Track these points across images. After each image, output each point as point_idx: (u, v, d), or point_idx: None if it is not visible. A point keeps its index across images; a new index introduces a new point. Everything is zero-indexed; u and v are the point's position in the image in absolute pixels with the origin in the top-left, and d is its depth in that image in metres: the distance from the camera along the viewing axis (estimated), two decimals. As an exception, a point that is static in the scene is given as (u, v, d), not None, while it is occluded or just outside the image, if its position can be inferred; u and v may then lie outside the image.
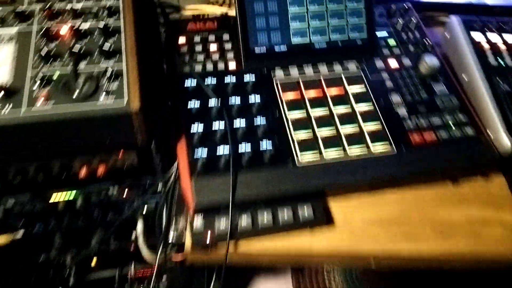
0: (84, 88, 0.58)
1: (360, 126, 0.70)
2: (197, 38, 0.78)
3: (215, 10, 0.92)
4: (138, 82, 0.59)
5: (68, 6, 0.67)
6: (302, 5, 0.76)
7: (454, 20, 0.85)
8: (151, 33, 0.78)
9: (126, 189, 0.75)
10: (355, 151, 0.68)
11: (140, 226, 0.80)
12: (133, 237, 0.80)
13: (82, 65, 0.61)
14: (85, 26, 0.65)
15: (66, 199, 0.72)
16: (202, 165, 0.63)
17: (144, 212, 0.79)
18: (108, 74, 0.59)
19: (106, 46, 0.62)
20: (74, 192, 0.71)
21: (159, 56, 0.75)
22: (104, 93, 0.58)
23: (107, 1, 0.68)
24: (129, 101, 0.58)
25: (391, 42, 0.82)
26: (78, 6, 0.67)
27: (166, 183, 0.73)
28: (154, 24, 0.82)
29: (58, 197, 0.72)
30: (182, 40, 0.77)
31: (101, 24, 0.64)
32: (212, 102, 0.70)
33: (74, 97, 0.57)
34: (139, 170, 0.72)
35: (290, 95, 0.73)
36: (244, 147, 0.67)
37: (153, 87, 0.69)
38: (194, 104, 0.70)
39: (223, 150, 0.66)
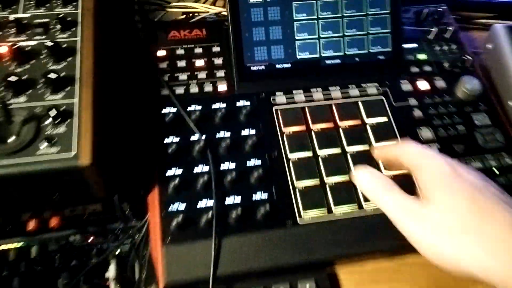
0: (21, 135, 0.45)
1: (379, 171, 0.56)
2: (180, 51, 0.63)
3: (208, 8, 0.76)
4: (91, 126, 0.45)
5: (12, 16, 0.52)
6: (311, 12, 0.60)
7: (499, 30, 0.68)
8: (123, 42, 0.63)
9: (91, 237, 0.63)
10: (373, 204, 0.54)
11: (112, 270, 0.68)
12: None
13: (21, 100, 0.47)
14: (31, 44, 0.51)
15: (18, 246, 0.60)
16: (177, 225, 0.50)
17: (117, 253, 0.67)
18: (53, 114, 0.45)
19: (54, 74, 0.48)
20: (24, 242, 0.59)
21: (131, 74, 0.61)
22: (45, 141, 0.44)
23: (63, 9, 0.54)
24: (78, 153, 0.44)
25: (421, 56, 0.66)
26: (25, 16, 0.53)
27: (140, 229, 0.61)
28: (128, 28, 0.67)
29: (7, 246, 0.60)
30: (161, 52, 0.63)
31: (50, 42, 0.49)
32: (195, 137, 0.56)
33: (6, 147, 0.44)
34: (104, 218, 0.59)
35: (293, 128, 0.58)
36: (233, 200, 0.53)
37: (119, 121, 0.55)
38: (172, 139, 0.56)
39: (205, 203, 0.52)
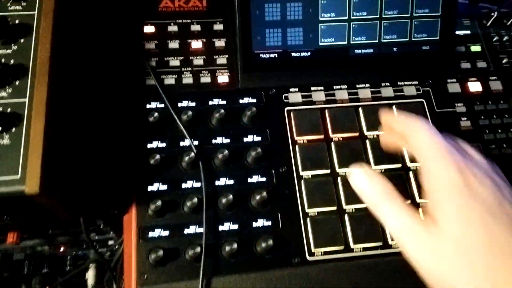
0: (-51, 147, 0.34)
1: (413, 199, 0.45)
2: (173, 27, 0.50)
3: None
4: (43, 139, 0.34)
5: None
6: (342, -12, 0.47)
7: None
8: (99, 14, 0.50)
9: (62, 247, 0.54)
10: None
11: (91, 276, 0.61)
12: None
13: (-47, 98, 0.36)
14: (-29, 18, 0.39)
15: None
16: (157, 259, 0.40)
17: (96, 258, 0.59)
18: (-6, 119, 0.34)
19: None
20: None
21: (109, 58, 0.48)
22: (-19, 158, 0.33)
23: (18, -32, 0.41)
24: (24, 178, 0.33)
25: (475, 48, 0.53)
26: (-34, -23, 0.40)
27: (118, 246, 0.51)
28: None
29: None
30: (149, 28, 0.50)
31: (-4, 18, 0.37)
32: (185, 143, 0.45)
33: None
34: (74, 231, 0.50)
35: (309, 136, 0.46)
36: (228, 227, 0.43)
37: (86, 124, 0.43)
38: (157, 144, 0.45)
39: (194, 230, 0.42)
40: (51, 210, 0.37)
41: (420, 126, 0.36)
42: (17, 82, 0.36)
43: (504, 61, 0.52)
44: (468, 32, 0.54)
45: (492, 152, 0.47)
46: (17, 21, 0.38)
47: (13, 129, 0.35)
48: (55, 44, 0.38)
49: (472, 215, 0.31)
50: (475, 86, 0.51)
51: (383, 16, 0.48)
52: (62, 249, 0.53)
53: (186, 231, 0.42)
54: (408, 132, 0.37)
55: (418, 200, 0.45)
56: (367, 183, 0.36)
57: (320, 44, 0.48)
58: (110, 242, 0.54)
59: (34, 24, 0.39)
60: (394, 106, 0.48)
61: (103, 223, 0.47)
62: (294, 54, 0.48)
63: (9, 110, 0.35)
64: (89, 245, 0.52)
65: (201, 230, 0.42)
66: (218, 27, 0.51)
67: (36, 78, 0.36)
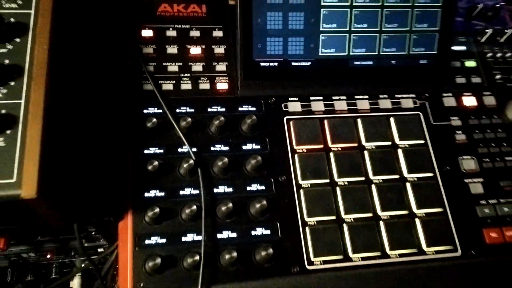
0: None
1: (410, 210, 0.45)
2: (171, 32, 0.49)
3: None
4: (41, 141, 0.33)
5: None
6: (344, -1, 0.47)
7: None
8: (97, 16, 0.49)
9: (49, 254, 0.52)
10: (399, 250, 0.43)
11: (76, 283, 0.59)
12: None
13: None
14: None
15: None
16: (154, 267, 0.39)
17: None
18: (-12, 120, 0.33)
19: (-6, 62, 0.35)
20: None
21: (106, 61, 0.47)
22: (-26, 161, 0.32)
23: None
24: (20, 181, 0.32)
25: (470, 64, 0.54)
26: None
27: (110, 254, 0.50)
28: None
29: None
30: (147, 32, 0.49)
31: (-8, 15, 0.36)
32: (183, 150, 0.44)
33: None
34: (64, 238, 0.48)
35: (308, 146, 0.46)
36: (227, 235, 0.42)
37: (82, 128, 0.42)
38: (154, 150, 0.44)
39: (192, 238, 0.41)
40: (45, 217, 0.35)
41: None
42: (12, 83, 0.35)
43: (497, 77, 0.53)
44: (464, 48, 0.55)
45: (484, 165, 0.48)
46: (12, 20, 0.37)
47: (8, 131, 0.33)
48: (53, 45, 0.37)
49: None
50: (469, 101, 0.51)
51: (383, 29, 0.49)
52: (48, 256, 0.51)
53: (183, 239, 0.41)
54: None
55: (414, 210, 0.45)
56: None
57: (320, 54, 0.49)
58: (100, 250, 0.52)
59: (30, 23, 0.37)
60: (392, 118, 0.48)
61: (95, 230, 0.46)
62: (294, 64, 0.48)
63: (3, 111, 0.34)
64: (78, 252, 0.50)
65: (199, 238, 0.41)
66: (218, 33, 0.50)
67: (33, 80, 0.35)
